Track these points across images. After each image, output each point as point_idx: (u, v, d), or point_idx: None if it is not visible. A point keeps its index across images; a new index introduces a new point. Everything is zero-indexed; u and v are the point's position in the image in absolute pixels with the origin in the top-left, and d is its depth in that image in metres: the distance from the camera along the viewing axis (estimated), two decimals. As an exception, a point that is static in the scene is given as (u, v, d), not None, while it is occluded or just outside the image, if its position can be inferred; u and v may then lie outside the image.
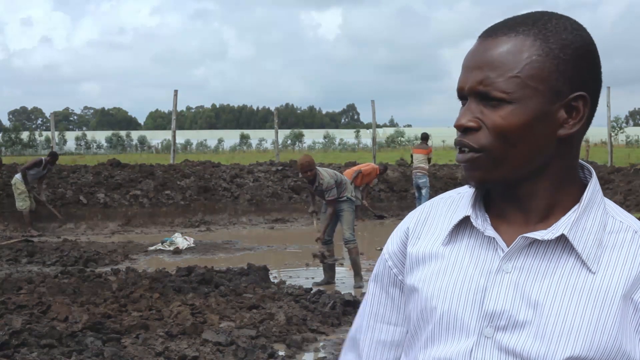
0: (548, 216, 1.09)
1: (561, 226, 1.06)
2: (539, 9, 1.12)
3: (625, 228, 1.09)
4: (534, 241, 1.07)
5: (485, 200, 1.16)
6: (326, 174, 8.00)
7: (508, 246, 1.08)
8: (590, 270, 1.05)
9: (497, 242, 1.09)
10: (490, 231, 1.10)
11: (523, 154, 1.05)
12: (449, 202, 1.21)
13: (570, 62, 1.05)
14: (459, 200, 1.19)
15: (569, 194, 1.10)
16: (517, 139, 1.04)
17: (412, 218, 1.24)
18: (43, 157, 13.92)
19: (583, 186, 1.11)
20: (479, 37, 1.10)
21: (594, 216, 1.08)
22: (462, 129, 1.07)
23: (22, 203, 13.30)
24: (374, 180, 14.95)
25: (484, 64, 1.05)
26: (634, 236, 1.08)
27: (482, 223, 1.11)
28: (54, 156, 13.89)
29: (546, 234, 1.06)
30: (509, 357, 1.05)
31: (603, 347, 1.02)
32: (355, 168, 14.10)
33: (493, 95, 1.04)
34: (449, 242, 1.15)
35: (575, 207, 1.08)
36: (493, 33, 1.07)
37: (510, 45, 1.05)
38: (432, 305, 1.12)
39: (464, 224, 1.14)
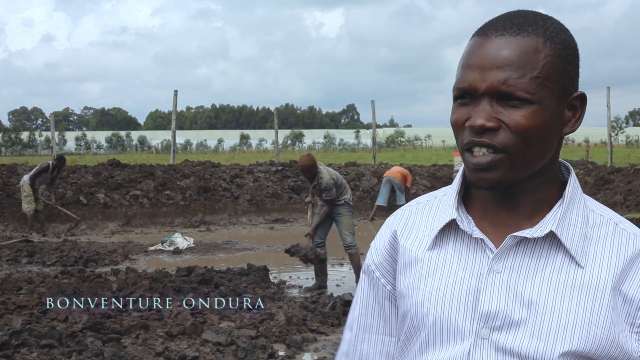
0: (535, 213, 1.10)
1: (548, 223, 1.07)
2: (544, 8, 1.12)
3: (606, 221, 1.11)
4: (522, 239, 1.08)
5: (463, 202, 1.16)
6: (326, 174, 7.88)
7: (496, 246, 1.09)
8: (579, 265, 1.06)
9: (485, 243, 1.10)
10: (477, 233, 1.10)
11: (538, 153, 1.06)
12: (427, 207, 1.21)
13: (571, 62, 1.07)
14: (438, 204, 1.19)
15: (552, 190, 1.11)
16: (536, 138, 1.04)
17: (396, 221, 1.22)
18: (50, 161, 13.85)
19: (562, 182, 1.13)
20: (482, 35, 1.07)
21: (577, 211, 1.09)
22: (481, 130, 1.04)
23: (27, 206, 13.40)
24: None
25: (504, 64, 1.03)
26: (615, 229, 1.10)
27: (468, 225, 1.11)
28: (61, 160, 13.78)
29: (535, 231, 1.07)
30: (507, 356, 1.05)
31: (598, 340, 1.03)
32: (400, 177, 14.52)
33: (517, 95, 1.02)
34: (434, 247, 1.14)
35: (559, 202, 1.09)
36: (502, 32, 1.05)
37: (526, 46, 1.03)
38: (424, 311, 1.12)
39: (448, 227, 1.14)
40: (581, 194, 1.12)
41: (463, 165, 1.17)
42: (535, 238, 1.07)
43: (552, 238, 1.07)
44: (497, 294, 1.07)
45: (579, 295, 1.05)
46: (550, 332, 1.04)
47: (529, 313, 1.05)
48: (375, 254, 1.23)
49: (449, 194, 1.18)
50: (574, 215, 1.09)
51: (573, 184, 1.11)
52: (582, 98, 1.09)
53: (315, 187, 7.93)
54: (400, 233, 1.20)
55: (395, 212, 1.26)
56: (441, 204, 1.18)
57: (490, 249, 1.09)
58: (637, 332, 1.06)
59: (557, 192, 1.12)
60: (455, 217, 1.12)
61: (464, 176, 1.17)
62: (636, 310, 1.06)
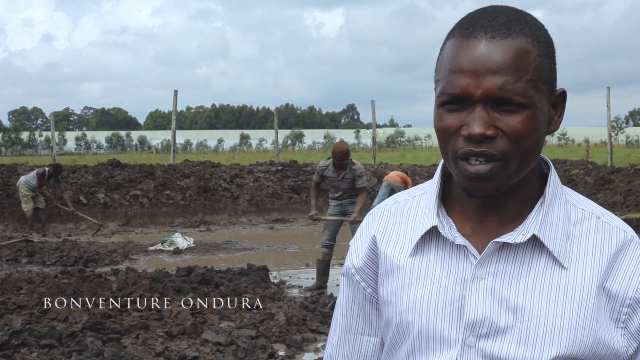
0: (517, 214, 1.07)
1: (530, 226, 1.04)
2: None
3: (588, 216, 1.08)
4: (505, 243, 1.05)
5: (443, 202, 1.13)
6: (357, 161, 7.86)
7: (478, 251, 1.06)
8: (562, 267, 1.04)
9: (467, 249, 1.06)
10: (460, 239, 1.07)
11: (532, 157, 1.03)
12: (406, 207, 1.17)
13: (554, 60, 1.05)
14: (417, 204, 1.15)
15: (533, 188, 1.08)
16: (531, 142, 1.00)
17: (375, 225, 1.18)
18: (46, 168, 13.90)
19: (541, 177, 1.10)
20: (467, 36, 1.02)
21: (558, 209, 1.07)
22: (480, 139, 0.99)
23: (25, 205, 13.62)
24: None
25: (500, 68, 0.98)
26: (598, 223, 1.07)
27: (449, 231, 1.08)
28: (56, 168, 13.81)
29: (517, 236, 1.04)
30: None
31: (585, 342, 1.02)
32: (400, 180, 14.60)
33: (515, 100, 0.98)
34: (416, 254, 1.11)
35: (539, 202, 1.07)
36: (491, 33, 1.00)
37: (518, 48, 0.99)
38: (408, 319, 1.09)
39: (429, 233, 1.11)
40: (561, 189, 1.09)
41: (441, 163, 1.13)
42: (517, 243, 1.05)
43: (534, 241, 1.05)
44: (482, 300, 1.04)
45: (564, 298, 1.02)
46: (537, 337, 1.01)
47: (515, 319, 1.02)
48: (355, 258, 1.20)
49: (428, 192, 1.14)
50: (555, 214, 1.06)
51: (553, 181, 1.08)
52: (563, 95, 1.07)
53: (345, 176, 7.77)
54: (380, 239, 1.16)
55: (373, 211, 1.21)
56: (420, 204, 1.14)
57: (473, 254, 1.06)
58: (622, 327, 1.04)
59: (538, 189, 1.09)
60: (436, 224, 1.09)
61: (442, 176, 1.14)
62: (620, 307, 1.04)
